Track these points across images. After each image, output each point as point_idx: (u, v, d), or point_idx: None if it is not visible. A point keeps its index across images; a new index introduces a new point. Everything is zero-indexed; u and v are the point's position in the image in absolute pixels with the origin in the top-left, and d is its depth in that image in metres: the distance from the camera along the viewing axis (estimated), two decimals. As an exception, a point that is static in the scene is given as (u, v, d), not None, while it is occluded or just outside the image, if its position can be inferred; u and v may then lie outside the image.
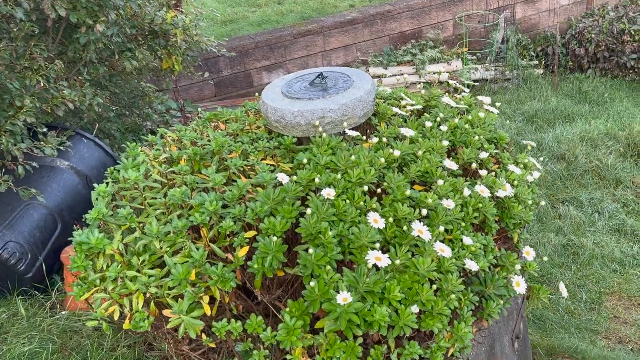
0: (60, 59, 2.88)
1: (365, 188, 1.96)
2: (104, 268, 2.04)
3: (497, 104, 2.71)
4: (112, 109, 3.38)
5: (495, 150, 2.47)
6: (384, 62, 7.49)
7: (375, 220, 1.78)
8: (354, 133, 2.04)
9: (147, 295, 1.95)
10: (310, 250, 1.76)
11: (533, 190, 2.34)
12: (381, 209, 1.93)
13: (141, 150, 2.46)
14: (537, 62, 7.84)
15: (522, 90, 7.20)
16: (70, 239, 2.05)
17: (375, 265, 1.76)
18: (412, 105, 2.47)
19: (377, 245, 1.79)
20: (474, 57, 7.73)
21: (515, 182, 2.26)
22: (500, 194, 2.09)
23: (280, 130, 2.30)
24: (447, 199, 1.94)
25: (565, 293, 2.29)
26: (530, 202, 2.27)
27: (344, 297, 1.65)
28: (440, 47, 7.70)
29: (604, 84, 7.24)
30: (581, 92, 7.12)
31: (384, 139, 2.24)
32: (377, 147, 2.24)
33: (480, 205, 2.06)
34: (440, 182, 1.99)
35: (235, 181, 2.18)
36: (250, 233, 1.93)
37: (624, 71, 7.37)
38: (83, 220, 2.19)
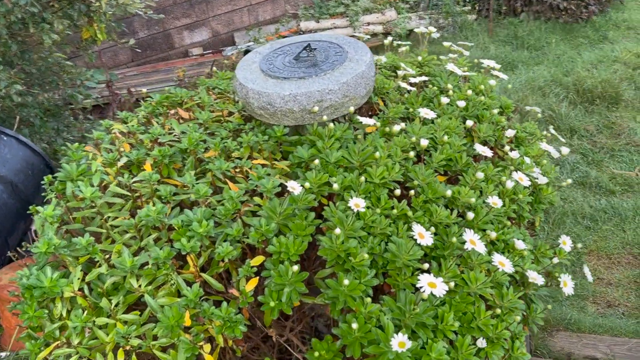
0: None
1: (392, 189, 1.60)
2: (64, 315, 1.58)
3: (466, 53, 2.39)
4: (30, 92, 2.78)
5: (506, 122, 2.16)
6: (315, 15, 7.01)
7: (421, 235, 1.43)
8: (370, 121, 1.66)
9: (127, 347, 1.52)
10: (346, 282, 1.38)
11: (553, 168, 2.06)
12: (413, 214, 1.58)
13: (85, 151, 1.96)
14: (470, 8, 7.61)
15: (460, 39, 6.96)
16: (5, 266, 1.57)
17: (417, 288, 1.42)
18: (414, 76, 2.09)
19: (426, 265, 1.44)
20: (407, 5, 7.39)
21: (544, 162, 1.96)
22: (541, 180, 1.79)
23: (266, 119, 1.87)
24: (491, 196, 1.61)
25: (590, 277, 2.05)
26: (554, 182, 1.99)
27: (400, 342, 1.30)
28: (372, -5, 7.30)
29: (539, 27, 7.13)
30: (517, 37, 6.97)
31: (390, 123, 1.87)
32: (383, 132, 1.87)
33: (515, 195, 1.75)
34: (479, 174, 1.65)
35: (220, 188, 1.75)
36: (258, 259, 1.52)
37: (556, 13, 7.28)
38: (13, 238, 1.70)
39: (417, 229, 1.43)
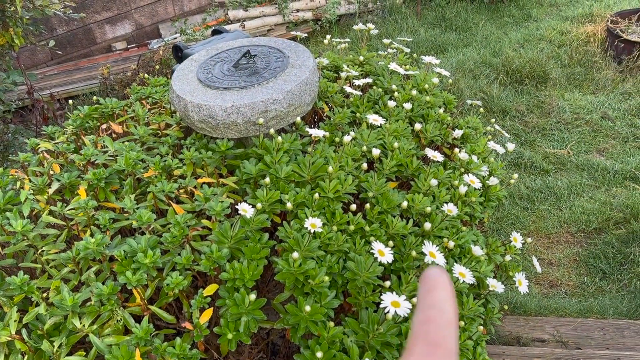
0: None
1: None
2: (0, 362, 1.45)
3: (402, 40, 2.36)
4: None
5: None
6: (243, 4, 6.83)
7: (382, 253, 1.38)
8: (319, 132, 1.59)
9: (75, 392, 1.41)
10: (307, 308, 1.32)
11: (501, 165, 2.06)
12: (369, 227, 1.53)
13: (13, 175, 1.81)
14: (398, -9, 7.62)
15: (389, 23, 6.97)
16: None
17: (379, 304, 1.38)
18: (358, 78, 2.04)
19: (387, 283, 1.40)
20: (337, -10, 7.32)
21: (491, 160, 1.96)
22: (493, 181, 1.78)
23: (208, 132, 1.77)
24: (445, 203, 1.59)
25: (539, 269, 2.09)
26: (502, 178, 2.00)
27: (367, 368, 1.26)
28: (300, -19, 7.18)
29: (465, 8, 7.24)
30: (445, 19, 7.05)
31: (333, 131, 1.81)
32: (331, 139, 1.81)
33: (467, 197, 1.74)
34: (433, 181, 1.62)
35: (164, 211, 1.65)
36: (211, 288, 1.44)
37: (482, -6, 7.40)
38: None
39: (377, 247, 1.39)
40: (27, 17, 2.83)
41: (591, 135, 4.68)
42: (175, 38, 6.27)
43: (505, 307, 1.80)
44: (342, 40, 2.37)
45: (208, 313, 1.41)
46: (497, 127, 2.15)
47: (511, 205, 4.01)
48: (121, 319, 1.44)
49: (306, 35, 2.35)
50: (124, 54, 6.08)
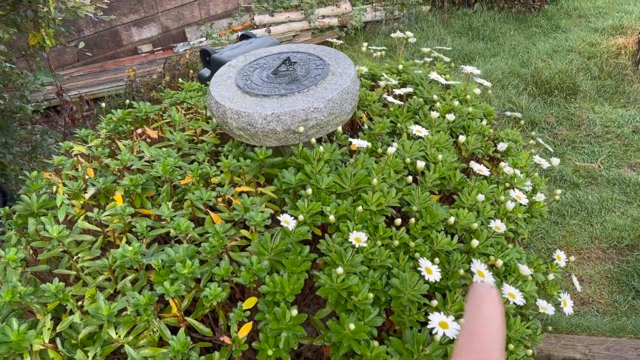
0: None
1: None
2: (33, 371, 1.42)
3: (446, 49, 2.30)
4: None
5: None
6: (269, 9, 6.83)
7: (429, 270, 1.33)
8: (363, 143, 1.54)
9: (109, 404, 1.38)
10: (352, 326, 1.27)
11: (544, 180, 2.00)
12: (413, 242, 1.48)
13: (48, 178, 1.78)
14: (423, -1, 7.57)
15: (416, 31, 6.92)
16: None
17: (423, 324, 1.33)
18: (397, 87, 1.99)
19: (435, 302, 1.34)
20: (362, -3, 7.29)
21: (535, 174, 1.90)
22: (539, 197, 1.72)
23: (246, 140, 1.74)
24: (493, 219, 1.53)
25: (579, 288, 2.02)
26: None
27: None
28: (326, -13, 7.17)
29: (492, 17, 7.16)
30: (472, 28, 6.98)
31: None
32: (370, 150, 1.76)
33: (512, 214, 1.68)
34: (480, 196, 1.56)
35: (201, 219, 1.62)
36: (251, 301, 1.39)
37: (509, 3, 7.32)
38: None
39: (424, 264, 1.34)
40: (59, 17, 2.83)
41: (622, 150, 4.58)
42: (201, 42, 6.27)
43: (550, 328, 1.73)
44: (378, 48, 2.32)
45: (247, 327, 1.36)
46: (539, 140, 2.09)
47: (541, 218, 3.93)
48: (157, 330, 1.40)
49: (342, 42, 2.31)
50: (149, 57, 6.09)
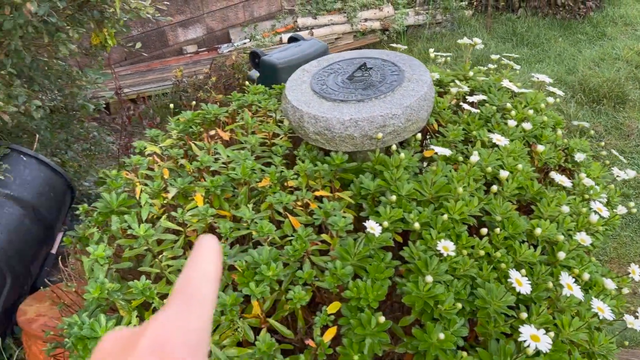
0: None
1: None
2: (117, 366, 1.44)
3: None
4: (43, 107, 2.60)
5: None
6: (312, 11, 6.86)
7: (519, 282, 1.32)
8: (446, 151, 1.54)
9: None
10: (441, 336, 1.27)
11: (617, 190, 1.97)
12: (494, 252, 1.47)
13: (126, 177, 1.82)
14: (467, 3, 7.51)
15: (458, 35, 6.87)
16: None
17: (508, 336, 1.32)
18: (469, 94, 1.98)
19: (524, 315, 1.33)
20: (404, 1, 7.27)
21: (611, 186, 1.88)
22: (621, 210, 1.70)
23: (321, 144, 1.75)
24: (579, 232, 1.51)
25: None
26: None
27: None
28: (369, -10, 7.17)
29: (537, 23, 7.08)
30: (516, 34, 6.91)
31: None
32: (443, 158, 1.76)
33: (592, 226, 1.66)
34: (565, 208, 1.54)
35: (278, 222, 1.63)
36: (334, 306, 1.40)
37: (554, 9, 7.23)
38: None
39: (514, 275, 1.33)
40: (124, 18, 2.88)
41: (674, 161, 4.49)
42: (244, 43, 6.33)
43: (626, 343, 1.71)
44: (444, 54, 2.32)
45: (332, 331, 1.37)
46: (613, 151, 2.06)
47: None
48: (241, 330, 1.42)
49: (405, 47, 2.31)
50: (194, 57, 6.16)
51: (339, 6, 6.89)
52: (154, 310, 1.49)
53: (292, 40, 4.57)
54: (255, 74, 4.30)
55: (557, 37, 6.79)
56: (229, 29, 6.58)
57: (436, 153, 1.61)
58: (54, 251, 2.37)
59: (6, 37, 2.19)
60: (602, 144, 2.22)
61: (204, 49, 6.38)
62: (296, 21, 6.66)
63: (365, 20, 6.83)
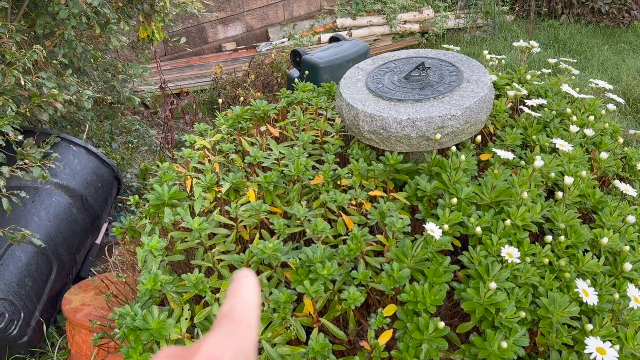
0: (29, 40, 2.11)
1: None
2: None
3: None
4: (93, 98, 2.62)
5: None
6: (352, 12, 6.83)
7: (586, 292, 1.27)
8: (509, 155, 1.50)
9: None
10: (504, 345, 1.23)
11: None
12: (557, 260, 1.43)
13: (178, 170, 1.81)
14: (508, 8, 7.40)
15: (499, 40, 6.78)
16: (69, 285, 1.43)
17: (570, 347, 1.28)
18: (528, 98, 1.93)
19: (590, 326, 1.28)
20: (445, 4, 7.20)
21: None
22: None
23: (376, 144, 1.72)
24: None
25: None
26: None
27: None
28: (409, -8, 7.12)
29: (579, 30, 6.94)
30: (558, 40, 6.79)
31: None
32: (502, 162, 1.71)
33: (655, 237, 1.59)
34: (630, 218, 1.49)
35: (331, 220, 1.61)
36: (390, 308, 1.37)
37: (597, 17, 7.08)
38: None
39: (581, 285, 1.28)
40: (174, 12, 2.89)
41: None
42: (283, 42, 6.33)
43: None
44: (499, 57, 2.27)
45: (387, 334, 1.34)
46: (676, 162, 1.98)
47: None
48: (293, 329, 1.40)
49: (458, 48, 2.27)
50: (233, 55, 6.19)
51: (379, 7, 6.84)
52: (205, 304, 1.48)
53: (333, 40, 4.54)
54: (295, 72, 4.29)
55: (600, 45, 6.65)
56: (267, 28, 6.59)
57: (494, 156, 1.57)
58: (98, 241, 2.39)
59: (59, 27, 2.21)
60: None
61: (243, 46, 6.40)
62: (335, 21, 6.63)
63: (405, 22, 6.78)
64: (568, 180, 1.47)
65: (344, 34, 6.46)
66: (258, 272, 1.52)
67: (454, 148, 1.60)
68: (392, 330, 1.35)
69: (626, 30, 6.99)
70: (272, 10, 6.55)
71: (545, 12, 7.31)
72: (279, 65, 5.24)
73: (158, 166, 1.76)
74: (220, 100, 2.31)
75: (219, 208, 1.62)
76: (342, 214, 1.57)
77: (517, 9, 7.36)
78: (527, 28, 7.01)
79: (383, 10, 6.83)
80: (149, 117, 4.93)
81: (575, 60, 3.80)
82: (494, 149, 1.56)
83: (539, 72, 2.33)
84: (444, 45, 2.32)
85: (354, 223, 1.56)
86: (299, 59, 4.25)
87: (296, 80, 2.41)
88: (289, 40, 6.38)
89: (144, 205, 1.76)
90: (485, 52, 2.27)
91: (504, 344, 1.23)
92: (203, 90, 5.39)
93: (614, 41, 6.80)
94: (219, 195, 1.65)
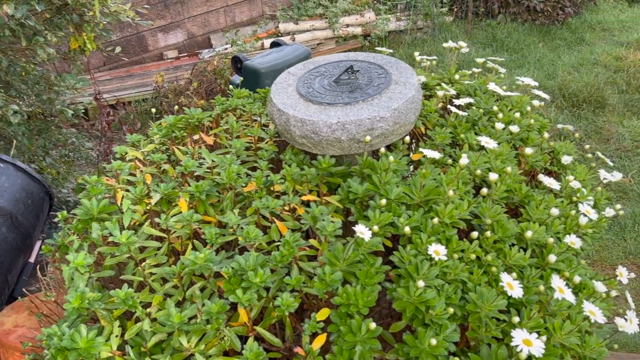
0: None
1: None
2: (99, 379, 1.40)
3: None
4: (21, 112, 2.53)
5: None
6: (294, 17, 6.85)
7: (511, 286, 1.30)
8: (436, 154, 1.52)
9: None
10: (433, 342, 1.25)
11: (604, 193, 1.97)
12: (485, 255, 1.46)
13: (107, 183, 1.77)
14: (447, 10, 7.55)
15: (439, 41, 6.90)
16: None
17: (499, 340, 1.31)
18: (456, 97, 1.97)
19: (517, 319, 1.32)
20: (386, 7, 7.29)
21: (598, 189, 1.87)
22: (609, 212, 1.70)
23: (308, 148, 1.72)
24: (570, 235, 1.50)
25: (632, 304, 1.98)
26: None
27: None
28: (350, -4, 7.19)
29: (516, 29, 7.14)
30: (496, 39, 6.96)
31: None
32: (432, 161, 1.74)
33: (580, 229, 1.65)
34: (554, 210, 1.53)
35: (265, 227, 1.60)
36: (324, 312, 1.37)
37: (533, 15, 7.31)
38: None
39: (506, 279, 1.31)
40: (104, 22, 2.83)
41: (653, 164, 4.54)
42: (226, 49, 6.29)
43: (615, 346, 1.70)
44: (429, 58, 2.31)
45: (322, 339, 1.34)
46: (600, 154, 2.06)
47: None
48: (227, 339, 1.38)
49: (391, 51, 2.29)
50: (175, 63, 6.11)
51: (321, 12, 6.88)
52: (137, 320, 1.45)
53: (274, 45, 4.54)
54: (237, 79, 4.26)
55: (536, 43, 6.86)
56: (210, 34, 6.53)
57: (424, 156, 1.59)
58: (32, 260, 2.31)
59: (-19, 41, 2.13)
60: (588, 146, 2.22)
61: (185, 54, 6.33)
62: (278, 26, 6.63)
63: (347, 25, 6.83)
64: (493, 176, 1.51)
65: (287, 38, 6.47)
66: (191, 284, 1.49)
67: (383, 149, 1.62)
68: (326, 334, 1.35)
69: (561, 27, 7.24)
70: (214, 16, 6.50)
71: (482, 12, 7.50)
72: (221, 72, 5.19)
73: (85, 180, 1.71)
74: (154, 110, 2.27)
75: (149, 220, 1.59)
76: (275, 220, 1.56)
77: (455, 10, 7.52)
78: (466, 28, 7.17)
79: (325, 14, 6.87)
80: (89, 129, 4.81)
81: (503, 59, 3.90)
82: (421, 149, 1.59)
83: (470, 72, 2.38)
84: (377, 48, 2.35)
85: (288, 229, 1.55)
86: (240, 65, 4.22)
87: (230, 87, 2.39)
88: (232, 46, 6.34)
89: (73, 221, 1.71)
90: (416, 53, 2.30)
91: (434, 341, 1.24)
92: (145, 100, 5.30)
93: (550, 38, 7.03)
94: (149, 207, 1.61)
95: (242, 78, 4.14)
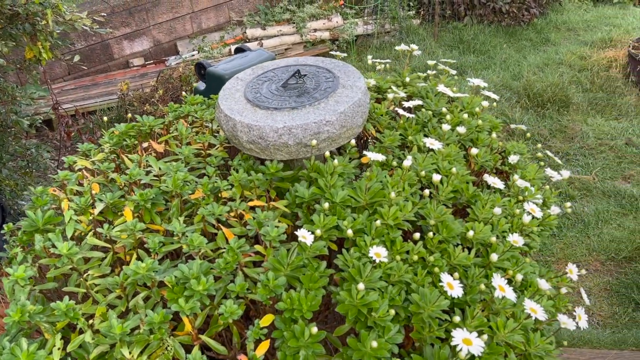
0: None
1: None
2: (41, 393, 1.37)
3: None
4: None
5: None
6: (261, 22, 6.84)
7: (451, 286, 1.31)
8: (380, 157, 1.53)
9: None
10: (374, 344, 1.25)
11: (555, 193, 2.00)
12: (429, 256, 1.46)
13: (53, 194, 1.74)
14: (414, 13, 7.61)
15: (406, 44, 6.94)
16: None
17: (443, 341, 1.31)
18: (405, 100, 1.98)
19: (457, 318, 1.32)
20: (353, 11, 7.32)
21: (546, 187, 1.90)
22: (554, 211, 1.72)
23: (256, 154, 1.71)
24: (512, 234, 1.52)
25: (587, 301, 2.01)
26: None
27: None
28: (317, 1, 7.20)
29: (482, 31, 7.22)
30: (463, 41, 7.03)
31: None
32: (382, 163, 1.75)
33: (527, 227, 1.67)
34: (497, 210, 1.55)
35: (212, 234, 1.59)
36: (267, 318, 1.36)
37: (499, 16, 7.39)
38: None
39: (446, 279, 1.32)
40: (57, 31, 2.80)
41: (616, 162, 4.62)
42: (193, 55, 6.25)
43: (565, 342, 1.72)
44: (382, 61, 2.32)
45: (265, 345, 1.33)
46: (549, 153, 2.09)
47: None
48: (171, 349, 1.37)
49: (345, 54, 2.30)
50: (141, 70, 6.06)
51: (288, 17, 6.88)
52: (80, 332, 1.42)
53: (238, 51, 4.52)
54: (201, 85, 4.24)
55: (502, 44, 6.95)
56: (176, 41, 6.49)
57: (370, 158, 1.59)
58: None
59: None
60: (539, 145, 2.25)
61: (151, 61, 6.28)
62: (245, 32, 6.62)
63: (315, 30, 6.85)
64: (436, 177, 1.52)
65: (255, 44, 6.46)
66: (136, 294, 1.48)
67: (327, 153, 1.62)
68: (269, 340, 1.34)
69: (527, 28, 7.34)
70: (180, 23, 6.46)
71: (449, 15, 7.57)
72: (187, 78, 5.16)
73: (31, 191, 1.68)
74: (105, 119, 2.24)
75: (93, 231, 1.57)
76: (221, 226, 1.55)
77: (422, 13, 7.57)
78: (433, 31, 7.23)
79: (292, 19, 6.88)
80: (53, 139, 4.74)
81: (455, 61, 3.94)
82: (365, 152, 1.59)
83: (424, 74, 2.40)
84: (332, 52, 2.35)
85: (234, 235, 1.54)
86: (204, 72, 4.20)
87: (185, 94, 2.37)
88: (199, 52, 6.31)
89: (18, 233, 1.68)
90: (369, 57, 2.31)
91: (374, 343, 1.24)
92: (110, 108, 5.24)
93: (516, 39, 7.12)
94: (92, 218, 1.59)
95: (206, 84, 4.12)
